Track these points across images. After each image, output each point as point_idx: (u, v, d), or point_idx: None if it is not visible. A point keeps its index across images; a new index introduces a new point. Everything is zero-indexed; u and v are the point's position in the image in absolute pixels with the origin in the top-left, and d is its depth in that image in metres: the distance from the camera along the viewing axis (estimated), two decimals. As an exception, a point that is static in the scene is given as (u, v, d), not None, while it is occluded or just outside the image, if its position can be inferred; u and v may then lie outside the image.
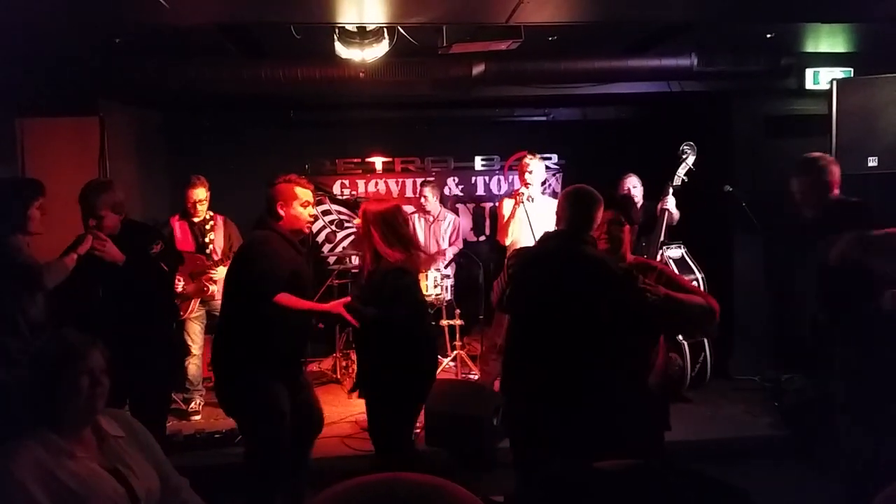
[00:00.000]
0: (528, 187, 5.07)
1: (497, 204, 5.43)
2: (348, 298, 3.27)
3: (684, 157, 4.80)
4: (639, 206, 5.24)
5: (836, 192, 3.39)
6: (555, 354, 2.73)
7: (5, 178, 4.50)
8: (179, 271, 4.95)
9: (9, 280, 3.24)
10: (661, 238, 4.88)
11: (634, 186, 5.23)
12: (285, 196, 3.21)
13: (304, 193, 3.24)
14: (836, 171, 3.40)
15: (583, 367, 2.71)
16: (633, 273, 2.82)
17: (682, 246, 5.04)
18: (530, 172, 5.10)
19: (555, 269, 2.81)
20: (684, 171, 4.82)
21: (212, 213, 5.18)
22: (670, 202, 4.83)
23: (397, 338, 3.17)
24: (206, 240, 5.11)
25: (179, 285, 4.95)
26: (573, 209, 2.86)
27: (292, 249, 3.21)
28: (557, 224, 2.95)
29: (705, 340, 5.05)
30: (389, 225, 3.19)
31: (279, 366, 3.19)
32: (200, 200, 5.08)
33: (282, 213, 3.19)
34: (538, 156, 5.31)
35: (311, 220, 3.32)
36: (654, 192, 5.09)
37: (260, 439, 3.15)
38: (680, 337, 4.92)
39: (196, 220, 5.12)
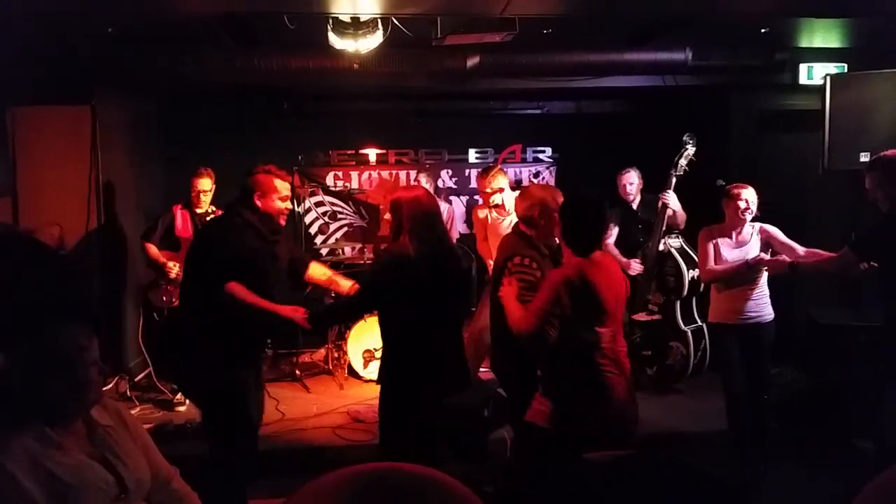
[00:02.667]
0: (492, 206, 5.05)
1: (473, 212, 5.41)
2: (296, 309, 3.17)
3: (686, 146, 4.82)
4: (637, 201, 5.24)
5: None
6: None
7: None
8: (175, 258, 4.98)
9: None
10: (663, 229, 4.91)
11: (631, 183, 5.22)
12: (264, 188, 3.15)
13: (284, 187, 3.19)
14: None
15: None
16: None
17: (679, 236, 5.08)
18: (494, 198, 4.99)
19: None
20: (686, 162, 4.84)
21: (214, 208, 5.17)
22: (671, 198, 4.84)
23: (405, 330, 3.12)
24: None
25: (173, 271, 4.95)
26: None
27: (258, 239, 3.15)
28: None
29: (704, 327, 5.11)
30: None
31: (243, 354, 3.16)
32: (205, 191, 5.07)
33: (258, 203, 3.13)
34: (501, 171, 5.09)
35: (286, 212, 3.25)
36: (649, 185, 5.10)
37: (231, 432, 3.13)
38: (682, 324, 4.98)
39: (199, 210, 5.11)
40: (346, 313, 3.92)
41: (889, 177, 3.38)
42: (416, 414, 3.14)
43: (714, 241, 3.93)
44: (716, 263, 3.92)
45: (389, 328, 3.17)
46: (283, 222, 3.26)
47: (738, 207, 3.81)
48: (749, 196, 3.82)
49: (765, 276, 3.87)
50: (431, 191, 6.14)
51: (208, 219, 5.10)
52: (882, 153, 3.50)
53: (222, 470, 3.11)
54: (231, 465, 3.12)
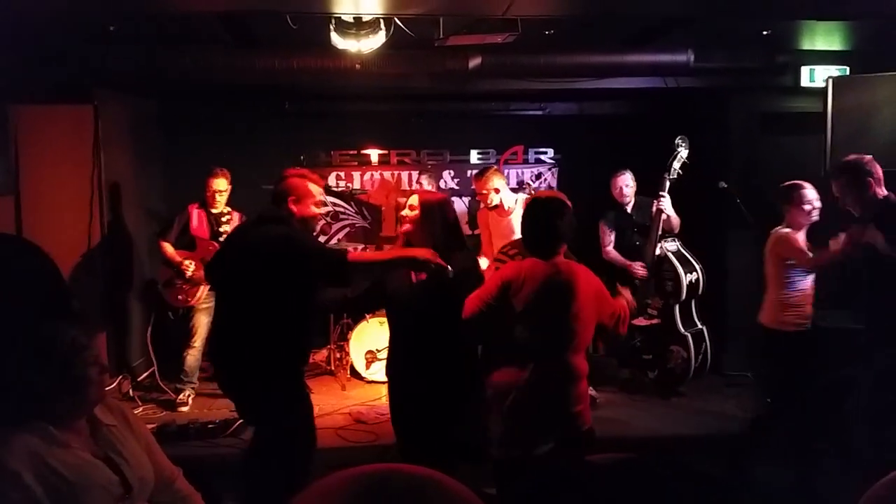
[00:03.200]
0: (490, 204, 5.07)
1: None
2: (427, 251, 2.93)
3: (678, 149, 4.83)
4: (631, 204, 5.25)
5: (879, 190, 3.49)
6: None
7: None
8: (191, 256, 5.02)
9: None
10: (658, 233, 4.91)
11: (627, 185, 5.22)
12: (300, 192, 3.03)
13: (318, 191, 3.09)
14: (874, 170, 3.49)
15: None
16: None
17: (676, 240, 5.09)
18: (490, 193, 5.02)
19: None
20: (679, 165, 4.85)
21: (230, 209, 5.18)
22: (666, 203, 4.85)
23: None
24: (221, 230, 5.11)
25: (189, 270, 4.97)
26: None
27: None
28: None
29: (704, 330, 5.11)
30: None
31: (304, 363, 3.15)
32: (220, 191, 5.08)
33: (294, 209, 3.02)
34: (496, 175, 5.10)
35: (321, 218, 3.21)
36: (650, 188, 5.10)
37: (295, 443, 3.02)
38: (681, 328, 4.98)
39: (214, 210, 5.13)
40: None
41: (854, 181, 3.48)
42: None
43: (795, 235, 3.81)
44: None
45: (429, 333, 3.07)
46: (317, 227, 3.22)
47: (805, 210, 3.75)
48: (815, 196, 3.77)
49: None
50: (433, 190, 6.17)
51: (223, 219, 5.12)
52: (843, 159, 3.61)
53: (283, 472, 3.03)
54: (294, 467, 3.04)
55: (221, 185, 5.08)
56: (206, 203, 5.14)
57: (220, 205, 5.13)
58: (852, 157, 3.57)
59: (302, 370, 3.16)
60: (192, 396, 5.11)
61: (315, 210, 3.09)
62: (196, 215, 5.14)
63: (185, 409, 5.00)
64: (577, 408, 2.92)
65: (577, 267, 2.96)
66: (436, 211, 3.07)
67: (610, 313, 3.01)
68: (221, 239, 5.06)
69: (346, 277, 2.97)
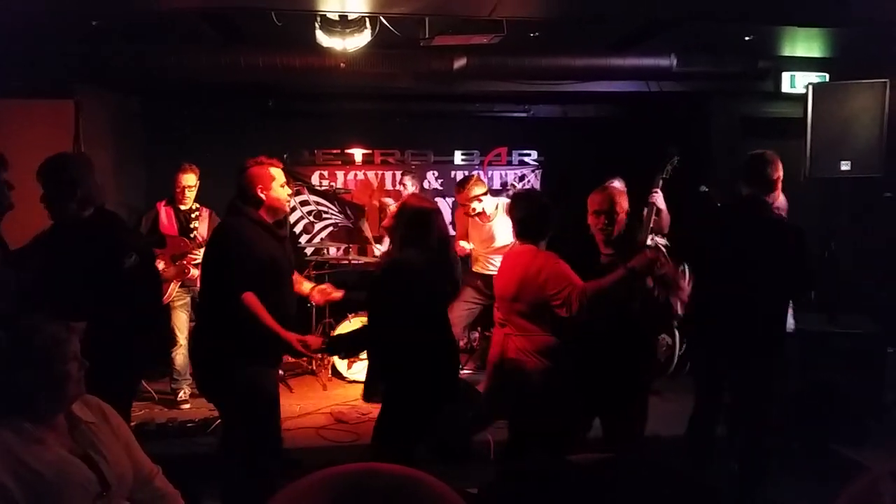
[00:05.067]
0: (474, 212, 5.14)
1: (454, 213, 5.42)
2: (309, 338, 3.12)
3: (673, 155, 4.89)
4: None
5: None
6: None
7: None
8: (161, 254, 4.92)
9: None
10: (651, 226, 4.94)
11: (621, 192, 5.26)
12: (264, 179, 3.10)
13: (279, 173, 3.17)
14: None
15: None
16: None
17: (665, 238, 5.14)
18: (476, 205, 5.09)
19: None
20: (671, 167, 4.90)
21: (199, 205, 5.13)
22: (659, 199, 4.90)
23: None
24: (191, 227, 5.07)
25: (159, 267, 4.91)
26: None
27: (269, 236, 3.12)
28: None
29: None
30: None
31: (267, 353, 3.11)
32: (189, 186, 5.02)
33: (262, 196, 3.09)
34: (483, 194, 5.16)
35: (290, 198, 3.23)
36: (632, 190, 5.13)
37: (252, 431, 3.06)
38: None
39: (183, 207, 5.07)
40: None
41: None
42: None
43: None
44: None
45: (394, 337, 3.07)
46: (287, 210, 3.24)
47: None
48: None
49: None
50: (417, 191, 6.17)
51: (193, 215, 5.08)
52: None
53: (248, 470, 3.06)
54: (260, 464, 3.06)
55: (191, 180, 5.02)
56: (174, 199, 5.07)
57: (190, 201, 5.06)
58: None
59: (265, 361, 3.12)
60: (189, 394, 5.07)
61: (281, 190, 3.15)
62: (164, 212, 5.08)
63: (186, 406, 4.99)
64: None
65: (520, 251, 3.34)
66: (407, 214, 3.11)
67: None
68: (192, 235, 5.03)
69: (232, 308, 2.96)
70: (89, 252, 2.91)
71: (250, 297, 2.94)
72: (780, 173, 3.47)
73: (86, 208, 3.01)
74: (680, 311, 3.57)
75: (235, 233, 3.06)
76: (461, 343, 5.77)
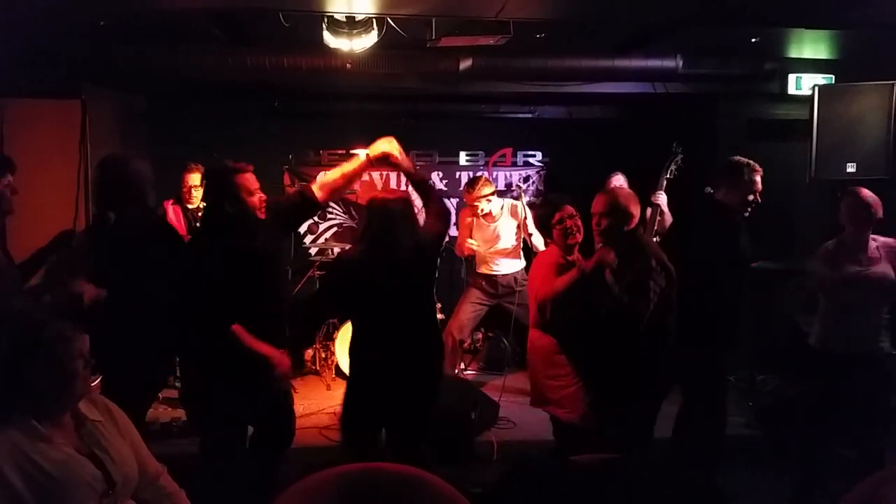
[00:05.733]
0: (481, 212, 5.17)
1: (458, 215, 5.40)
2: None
3: (678, 154, 4.89)
4: None
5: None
6: None
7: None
8: None
9: None
10: (654, 228, 4.94)
11: (620, 185, 5.26)
12: (250, 187, 2.97)
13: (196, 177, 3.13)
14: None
15: None
16: None
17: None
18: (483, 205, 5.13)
19: None
20: (675, 168, 4.91)
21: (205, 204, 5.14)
22: (662, 200, 4.91)
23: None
24: (198, 225, 5.08)
25: None
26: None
27: (247, 241, 2.97)
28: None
29: None
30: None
31: (243, 374, 2.94)
32: (196, 186, 5.05)
33: (250, 202, 2.95)
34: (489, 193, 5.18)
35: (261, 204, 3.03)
36: (639, 192, 5.12)
37: (209, 445, 3.06)
38: None
39: (190, 206, 5.10)
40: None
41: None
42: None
43: None
44: None
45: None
46: (261, 216, 3.02)
47: None
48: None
49: None
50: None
51: (199, 214, 5.09)
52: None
53: (211, 469, 3.05)
54: (219, 464, 3.05)
55: (196, 180, 5.05)
56: (181, 199, 5.11)
57: (196, 200, 5.08)
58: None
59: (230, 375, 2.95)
60: None
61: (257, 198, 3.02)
62: (172, 210, 5.11)
63: None
64: None
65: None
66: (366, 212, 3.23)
67: None
68: None
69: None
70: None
71: (239, 329, 2.89)
72: None
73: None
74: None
75: (211, 259, 2.96)
76: (465, 344, 5.77)
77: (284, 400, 3.31)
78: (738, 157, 3.67)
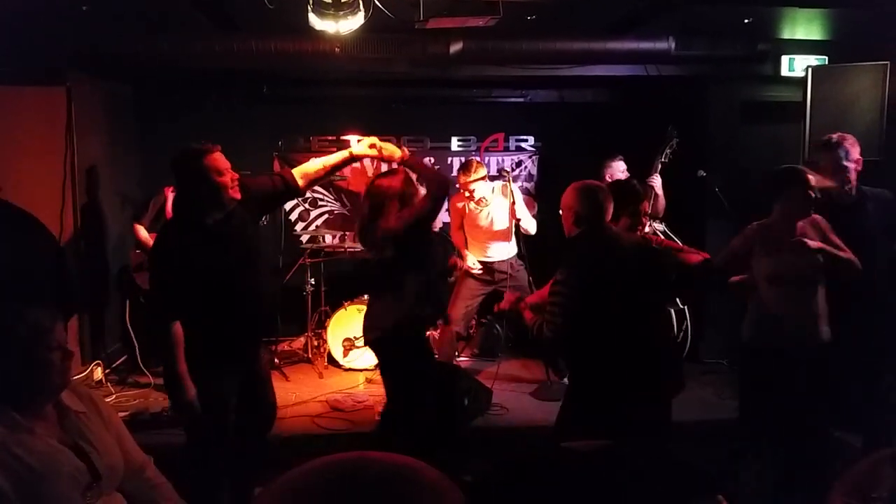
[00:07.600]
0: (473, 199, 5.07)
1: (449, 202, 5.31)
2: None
3: (672, 137, 4.88)
4: None
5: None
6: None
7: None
8: None
9: None
10: (649, 210, 4.94)
11: (622, 171, 5.23)
12: (219, 167, 2.87)
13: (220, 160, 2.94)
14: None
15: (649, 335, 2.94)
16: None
17: (662, 222, 5.14)
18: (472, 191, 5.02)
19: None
20: (670, 151, 4.90)
21: None
22: (657, 183, 4.90)
23: None
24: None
25: None
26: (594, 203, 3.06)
27: (221, 222, 2.90)
28: (574, 218, 3.05)
29: (686, 309, 5.17)
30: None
31: (223, 356, 2.91)
32: None
33: (222, 182, 2.85)
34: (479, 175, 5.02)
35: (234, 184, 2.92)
36: (634, 174, 5.11)
37: (193, 431, 3.01)
38: None
39: None
40: None
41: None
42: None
43: None
44: None
45: None
46: (236, 195, 2.91)
47: None
48: None
49: None
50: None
51: None
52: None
53: (198, 460, 3.02)
54: (205, 455, 3.01)
55: None
56: None
57: None
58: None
59: (211, 357, 2.90)
60: None
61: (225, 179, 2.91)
62: (171, 197, 5.05)
63: None
64: None
65: None
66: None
67: None
68: None
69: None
70: None
71: (178, 328, 2.85)
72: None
73: None
74: None
75: (170, 248, 2.91)
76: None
77: (262, 387, 3.23)
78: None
